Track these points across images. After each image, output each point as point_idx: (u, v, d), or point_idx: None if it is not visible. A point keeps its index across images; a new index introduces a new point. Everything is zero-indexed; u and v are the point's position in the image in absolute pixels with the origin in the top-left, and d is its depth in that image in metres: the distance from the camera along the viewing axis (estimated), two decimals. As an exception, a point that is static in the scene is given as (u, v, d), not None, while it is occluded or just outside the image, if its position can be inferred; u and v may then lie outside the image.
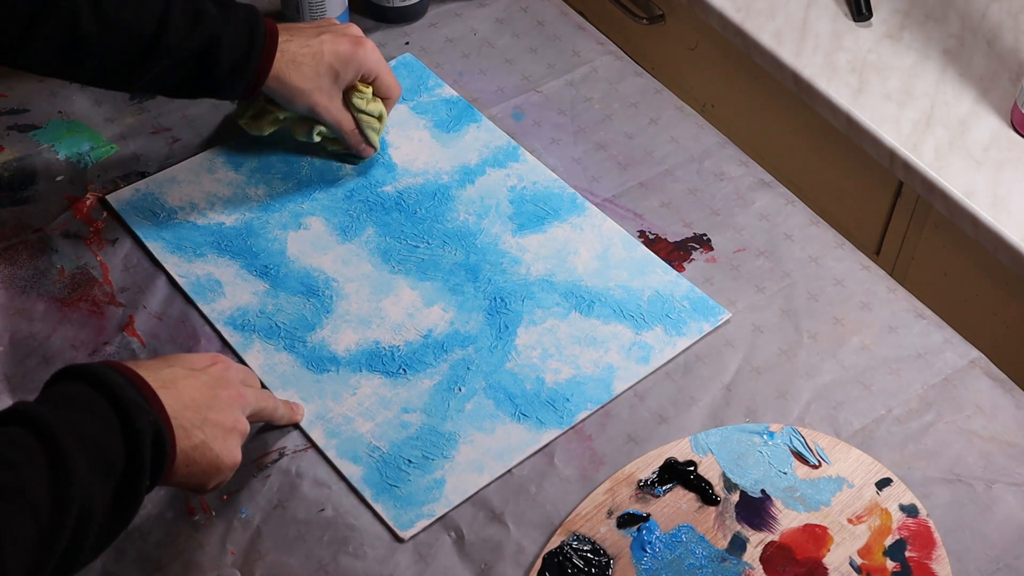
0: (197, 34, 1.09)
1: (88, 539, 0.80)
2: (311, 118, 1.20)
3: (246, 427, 0.95)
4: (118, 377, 0.85)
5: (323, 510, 1.01)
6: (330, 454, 1.03)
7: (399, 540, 0.99)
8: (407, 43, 1.39)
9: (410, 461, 1.03)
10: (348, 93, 1.20)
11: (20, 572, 0.75)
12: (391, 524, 0.99)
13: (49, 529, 0.77)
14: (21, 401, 0.83)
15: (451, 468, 1.03)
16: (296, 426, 1.05)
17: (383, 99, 1.23)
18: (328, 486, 1.02)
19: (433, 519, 1.00)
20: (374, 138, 1.23)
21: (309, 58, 1.15)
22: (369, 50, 1.19)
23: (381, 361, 1.10)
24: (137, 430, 0.82)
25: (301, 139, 1.23)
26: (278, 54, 1.13)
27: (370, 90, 1.21)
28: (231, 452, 0.92)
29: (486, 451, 1.04)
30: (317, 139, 1.22)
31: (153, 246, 1.17)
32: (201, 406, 0.90)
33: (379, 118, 1.22)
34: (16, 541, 0.75)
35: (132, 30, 1.07)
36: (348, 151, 1.24)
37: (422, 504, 1.00)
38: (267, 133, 1.23)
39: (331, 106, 1.18)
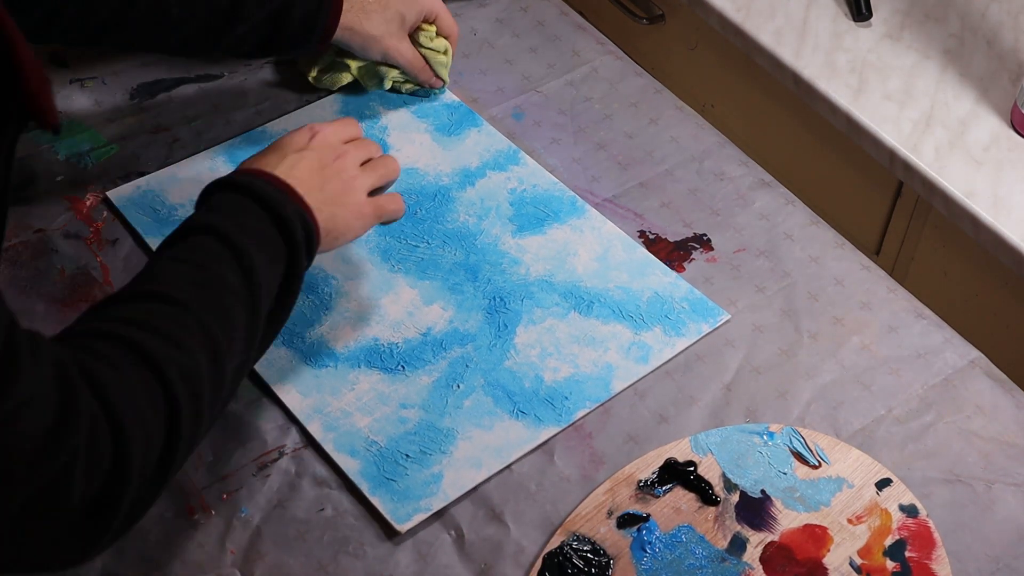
0: None
1: (267, 321, 0.95)
2: (378, 67, 1.28)
3: (363, 182, 1.06)
4: (254, 180, 0.98)
5: (323, 510, 1.01)
6: (327, 447, 1.03)
7: (395, 533, 0.99)
8: (407, 43, 1.39)
9: (408, 456, 1.03)
10: (414, 34, 1.28)
11: (243, 342, 0.91)
12: (388, 517, 0.99)
13: (251, 310, 0.91)
14: (192, 216, 0.96)
15: (449, 463, 1.03)
16: (296, 423, 1.05)
17: (445, 37, 1.30)
18: (328, 485, 1.02)
19: (430, 513, 1.00)
20: (443, 72, 1.31)
21: (377, 5, 1.24)
22: None
23: (380, 358, 1.10)
24: (286, 219, 0.96)
25: (373, 88, 1.31)
26: (347, 5, 1.21)
27: (433, 28, 1.29)
28: (356, 210, 1.05)
29: (484, 447, 1.04)
30: (388, 85, 1.30)
31: (153, 243, 1.17)
32: (319, 185, 1.02)
33: (444, 52, 1.30)
34: (235, 320, 0.90)
35: (211, 3, 1.15)
36: (419, 87, 1.32)
37: (419, 498, 1.00)
38: (338, 87, 1.31)
39: (402, 47, 1.27)
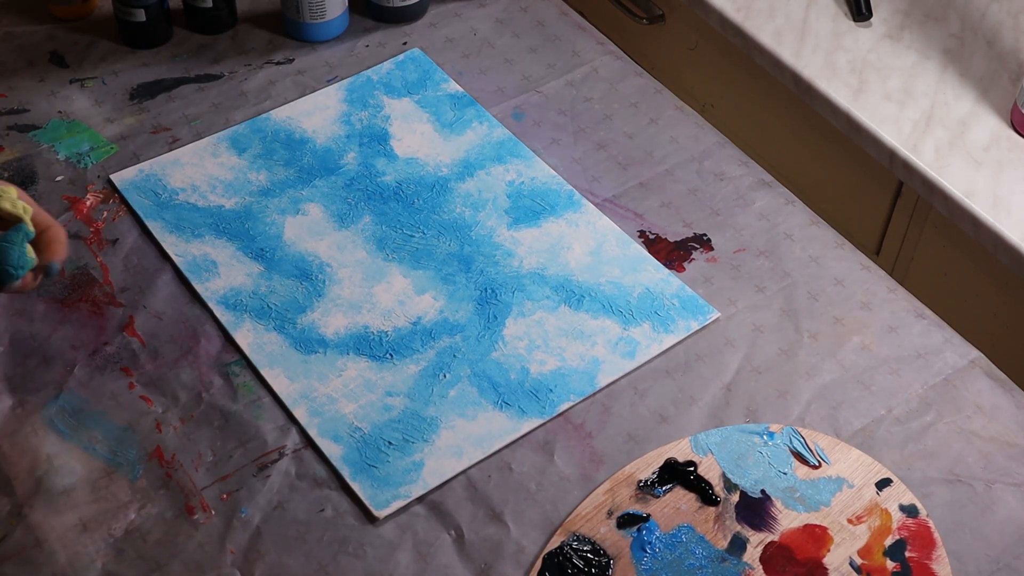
0: None
1: None
2: None
3: None
4: None
5: (323, 510, 1.01)
6: (311, 432, 1.04)
7: (374, 519, 0.99)
8: (404, 43, 1.39)
9: (390, 443, 1.04)
10: None
11: None
12: (367, 503, 1.00)
13: None
14: None
15: (430, 452, 1.03)
16: (295, 424, 1.05)
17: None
18: (328, 486, 1.02)
19: (409, 500, 1.00)
20: (27, 215, 0.94)
21: None
22: None
23: (369, 345, 1.10)
24: None
25: None
26: None
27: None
28: None
29: (466, 437, 1.04)
30: None
31: (153, 226, 1.18)
32: None
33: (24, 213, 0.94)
34: None
35: None
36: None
37: (399, 485, 1.01)
38: None
39: None
